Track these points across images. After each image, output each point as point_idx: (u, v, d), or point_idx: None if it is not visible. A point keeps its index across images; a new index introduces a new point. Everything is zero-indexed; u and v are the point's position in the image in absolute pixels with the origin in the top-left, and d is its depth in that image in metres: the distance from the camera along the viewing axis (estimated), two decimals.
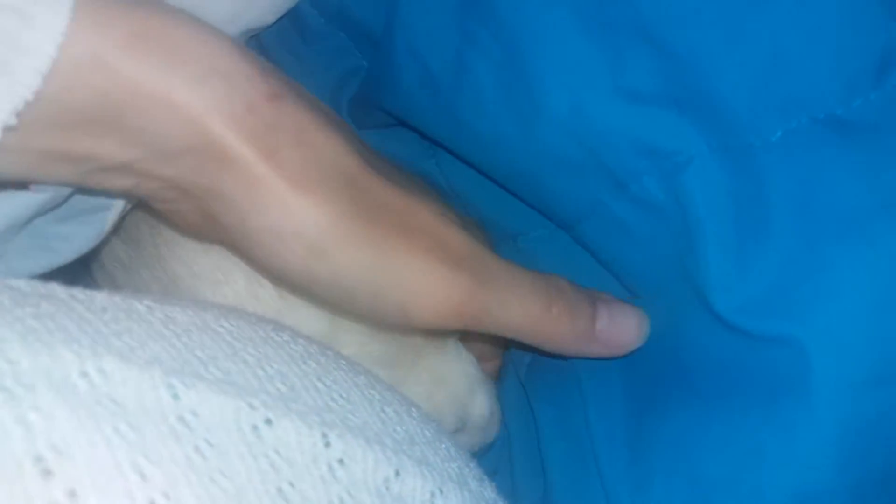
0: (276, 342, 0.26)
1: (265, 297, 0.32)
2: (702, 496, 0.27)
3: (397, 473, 0.24)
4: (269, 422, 0.22)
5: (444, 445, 0.28)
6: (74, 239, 0.29)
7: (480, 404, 0.35)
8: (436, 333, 0.34)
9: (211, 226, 0.27)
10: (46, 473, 0.17)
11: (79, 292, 0.24)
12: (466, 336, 0.35)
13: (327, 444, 0.23)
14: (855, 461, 0.25)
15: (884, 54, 0.25)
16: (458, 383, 0.34)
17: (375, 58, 0.35)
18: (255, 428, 0.21)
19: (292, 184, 0.25)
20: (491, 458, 0.39)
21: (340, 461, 0.23)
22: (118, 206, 0.29)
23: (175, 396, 0.20)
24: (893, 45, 0.25)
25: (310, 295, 0.29)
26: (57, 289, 0.23)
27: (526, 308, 0.29)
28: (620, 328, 0.31)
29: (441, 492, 0.25)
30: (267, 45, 0.40)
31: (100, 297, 0.24)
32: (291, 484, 0.21)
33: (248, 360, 0.24)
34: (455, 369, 0.34)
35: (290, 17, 0.39)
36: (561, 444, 0.34)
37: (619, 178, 0.28)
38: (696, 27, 0.26)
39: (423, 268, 0.27)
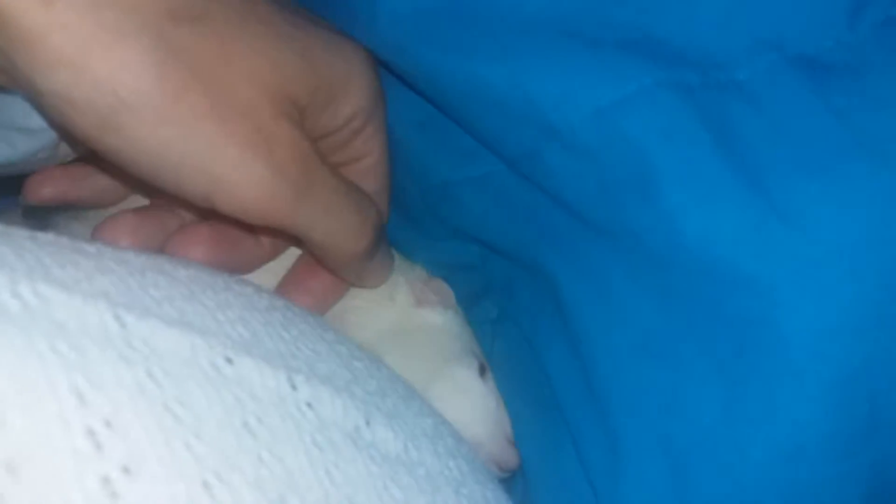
0: (237, 292, 0.23)
1: None
2: (680, 459, 0.24)
3: (367, 423, 0.20)
4: (229, 360, 0.18)
5: (416, 402, 0.24)
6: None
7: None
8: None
9: (14, 84, 0.22)
10: None
11: (20, 230, 0.20)
12: None
13: (293, 387, 0.19)
14: (839, 412, 0.22)
15: None
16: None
17: None
18: (213, 364, 0.18)
19: (79, 40, 0.19)
20: None
21: (308, 404, 0.19)
22: None
23: (123, 325, 0.17)
24: None
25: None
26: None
27: (339, 237, 0.26)
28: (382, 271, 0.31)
29: (414, 445, 0.21)
30: None
31: (44, 235, 0.20)
32: (259, 419, 0.17)
33: (206, 303, 0.21)
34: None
35: None
36: (534, 424, 0.30)
37: (551, 124, 0.25)
38: None
39: (238, 161, 0.22)
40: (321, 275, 0.30)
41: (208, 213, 0.25)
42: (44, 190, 0.29)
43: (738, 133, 0.23)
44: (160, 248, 0.28)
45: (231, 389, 0.17)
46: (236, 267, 0.29)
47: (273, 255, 0.31)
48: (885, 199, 0.22)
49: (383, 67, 0.30)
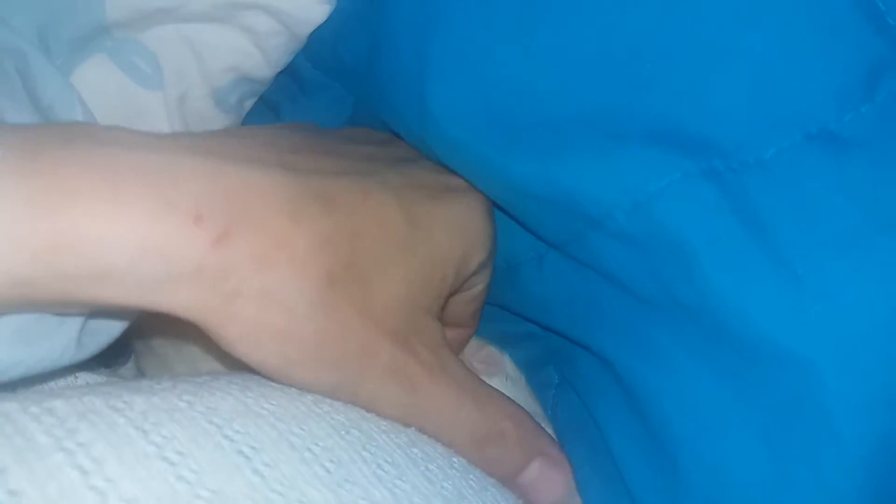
0: (318, 414, 0.24)
1: None
2: None
3: None
4: None
5: (489, 492, 0.26)
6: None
7: None
8: None
9: None
10: None
11: (118, 401, 0.21)
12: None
13: None
14: (879, 480, 0.23)
15: (871, 68, 0.23)
16: None
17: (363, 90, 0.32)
18: None
19: (253, 328, 0.23)
20: None
21: None
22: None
23: None
24: (880, 58, 0.23)
25: None
26: (96, 401, 0.21)
27: (459, 439, 0.28)
28: (545, 486, 0.29)
29: None
30: (272, 101, 0.38)
31: (139, 402, 0.22)
32: None
33: (293, 441, 0.22)
34: None
35: (290, 73, 0.36)
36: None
37: (593, 216, 0.26)
38: (682, 52, 0.24)
39: (380, 389, 0.26)
40: None
41: None
42: None
43: (766, 215, 0.23)
44: None
45: None
46: None
47: None
48: None
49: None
